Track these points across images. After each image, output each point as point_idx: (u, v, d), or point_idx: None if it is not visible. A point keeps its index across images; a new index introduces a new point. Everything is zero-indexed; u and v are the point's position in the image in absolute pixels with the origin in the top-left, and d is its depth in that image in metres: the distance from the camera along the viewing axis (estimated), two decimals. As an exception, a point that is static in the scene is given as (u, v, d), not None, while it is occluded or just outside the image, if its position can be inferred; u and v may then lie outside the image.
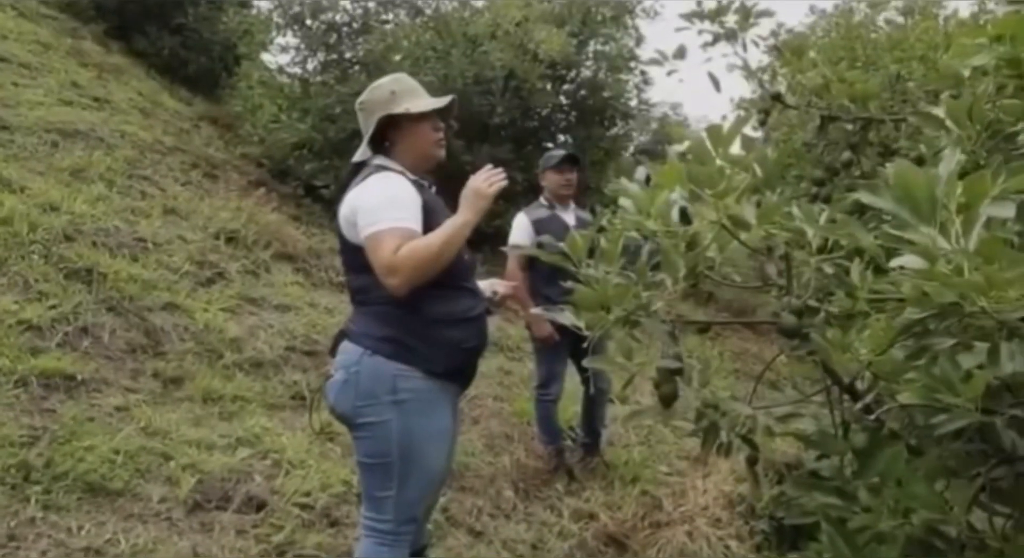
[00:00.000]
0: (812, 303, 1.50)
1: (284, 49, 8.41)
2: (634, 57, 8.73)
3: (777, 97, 3.78)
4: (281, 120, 7.67)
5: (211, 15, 9.23)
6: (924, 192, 0.88)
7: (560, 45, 7.38)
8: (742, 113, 10.69)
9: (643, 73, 8.84)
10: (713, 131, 1.62)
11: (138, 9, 9.02)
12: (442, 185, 2.32)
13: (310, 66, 8.06)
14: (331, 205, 7.63)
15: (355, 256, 2.02)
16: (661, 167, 1.64)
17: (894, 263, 0.92)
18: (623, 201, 1.70)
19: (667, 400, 1.54)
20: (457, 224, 2.01)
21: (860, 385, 1.47)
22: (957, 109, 1.38)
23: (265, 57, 9.07)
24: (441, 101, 2.18)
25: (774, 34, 6.37)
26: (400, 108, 2.08)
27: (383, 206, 1.96)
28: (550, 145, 8.43)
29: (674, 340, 1.68)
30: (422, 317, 2.01)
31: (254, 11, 9.37)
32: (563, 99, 8.53)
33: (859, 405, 1.36)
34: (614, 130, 9.01)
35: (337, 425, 2.43)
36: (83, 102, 6.53)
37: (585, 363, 1.58)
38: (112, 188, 5.40)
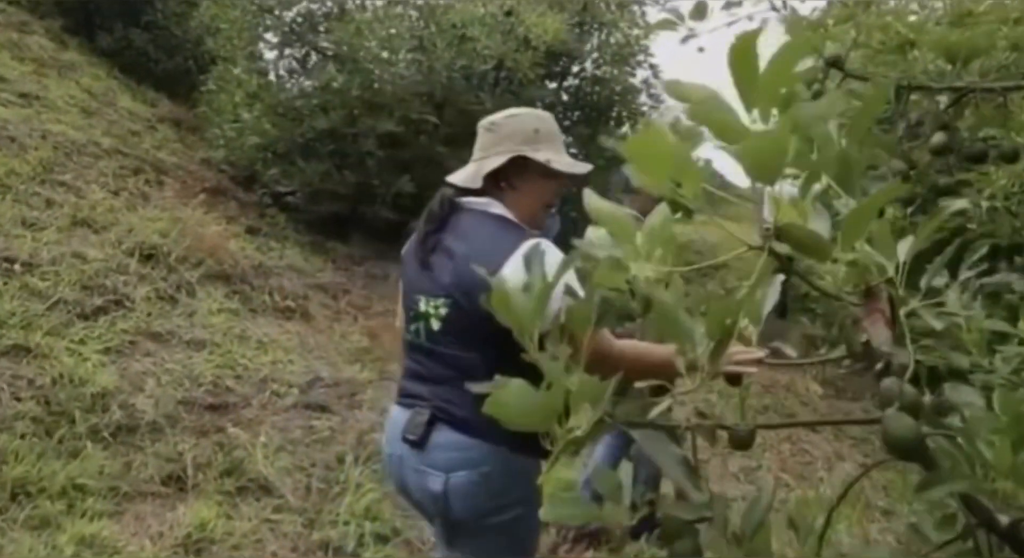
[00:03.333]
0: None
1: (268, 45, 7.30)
2: (642, 49, 7.51)
3: (835, 63, 2.55)
4: (242, 119, 6.51)
5: (182, 11, 8.09)
6: None
7: (555, 30, 6.15)
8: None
9: (652, 66, 7.61)
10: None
11: (104, 5, 7.91)
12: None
13: (272, 57, 6.89)
14: (297, 214, 6.63)
15: (476, 326, 1.51)
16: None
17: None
18: (594, 233, 1.04)
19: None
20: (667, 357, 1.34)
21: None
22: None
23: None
24: (583, 167, 1.72)
25: None
26: (540, 155, 1.65)
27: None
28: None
29: (692, 474, 0.92)
30: None
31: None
32: (564, 96, 7.32)
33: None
34: (622, 130, 7.77)
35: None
36: (2, 98, 5.39)
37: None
38: (7, 195, 4.25)
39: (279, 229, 6.05)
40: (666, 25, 2.99)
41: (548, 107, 7.33)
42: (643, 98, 7.71)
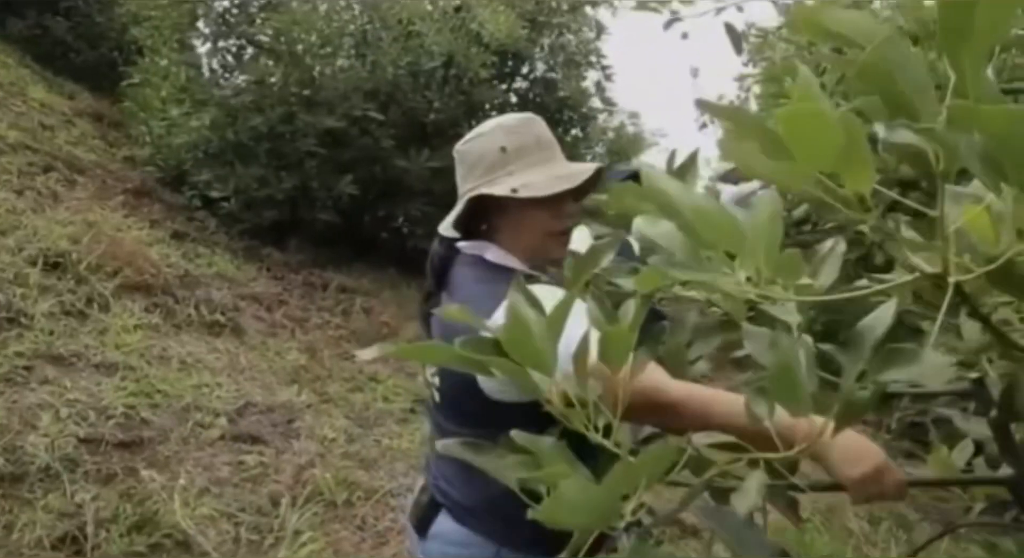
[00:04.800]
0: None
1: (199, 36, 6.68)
2: (594, 52, 7.17)
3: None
4: (171, 116, 5.90)
5: (106, -3, 7.40)
6: None
7: (509, 28, 5.75)
8: (708, 121, 9.04)
9: (604, 69, 7.27)
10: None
11: (17, -12, 7.17)
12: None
13: (204, 49, 6.29)
14: (231, 220, 6.05)
15: (464, 397, 1.19)
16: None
17: None
18: (648, 226, 0.87)
19: None
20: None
21: None
22: None
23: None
24: (573, 178, 1.25)
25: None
26: (509, 182, 1.23)
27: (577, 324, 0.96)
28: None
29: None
30: None
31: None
32: (513, 97, 6.92)
33: None
34: (572, 133, 7.40)
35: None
36: None
37: None
38: None
39: (208, 234, 5.48)
40: (650, 7, 2.61)
41: (498, 108, 6.92)
42: (595, 102, 7.37)
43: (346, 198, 5.86)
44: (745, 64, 10.58)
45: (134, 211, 5.12)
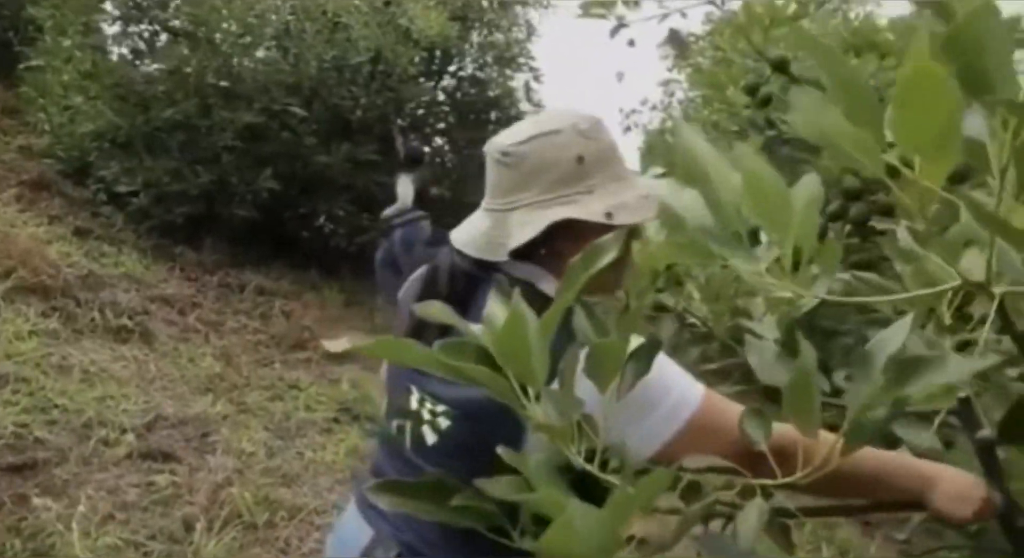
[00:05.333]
0: None
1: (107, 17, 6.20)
2: (524, 53, 7.06)
3: (781, 66, 2.21)
4: (74, 103, 5.47)
5: (1, -27, 6.81)
6: None
7: (440, 26, 5.57)
8: (634, 123, 9.08)
9: (533, 70, 7.17)
10: None
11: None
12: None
13: (113, 32, 5.86)
14: (140, 217, 5.64)
15: (483, 451, 0.89)
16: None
17: None
18: (675, 194, 0.79)
19: None
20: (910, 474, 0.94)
21: None
22: None
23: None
24: (656, 196, 0.96)
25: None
26: (594, 205, 1.00)
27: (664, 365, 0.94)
28: (427, 149, 6.62)
29: None
30: None
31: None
32: (441, 95, 6.73)
33: None
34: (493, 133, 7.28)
35: None
36: None
37: None
38: None
39: (115, 231, 5.09)
40: (595, 13, 2.51)
41: (425, 106, 6.74)
42: (524, 105, 7.26)
43: (265, 194, 5.57)
44: (670, 69, 10.66)
45: (30, 205, 4.71)
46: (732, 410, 0.93)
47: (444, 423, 1.03)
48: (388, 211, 5.73)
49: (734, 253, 0.76)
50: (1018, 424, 0.96)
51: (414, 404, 1.07)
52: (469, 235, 1.07)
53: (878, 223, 1.65)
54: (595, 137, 1.05)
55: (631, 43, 3.04)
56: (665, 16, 3.72)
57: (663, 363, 0.92)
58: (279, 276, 5.65)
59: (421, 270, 1.16)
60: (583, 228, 1.00)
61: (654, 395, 0.91)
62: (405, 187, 5.67)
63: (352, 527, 1.12)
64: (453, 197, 6.72)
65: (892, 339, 0.80)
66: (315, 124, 5.68)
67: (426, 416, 1.05)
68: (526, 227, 1.01)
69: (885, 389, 0.75)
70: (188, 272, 5.06)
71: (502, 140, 1.06)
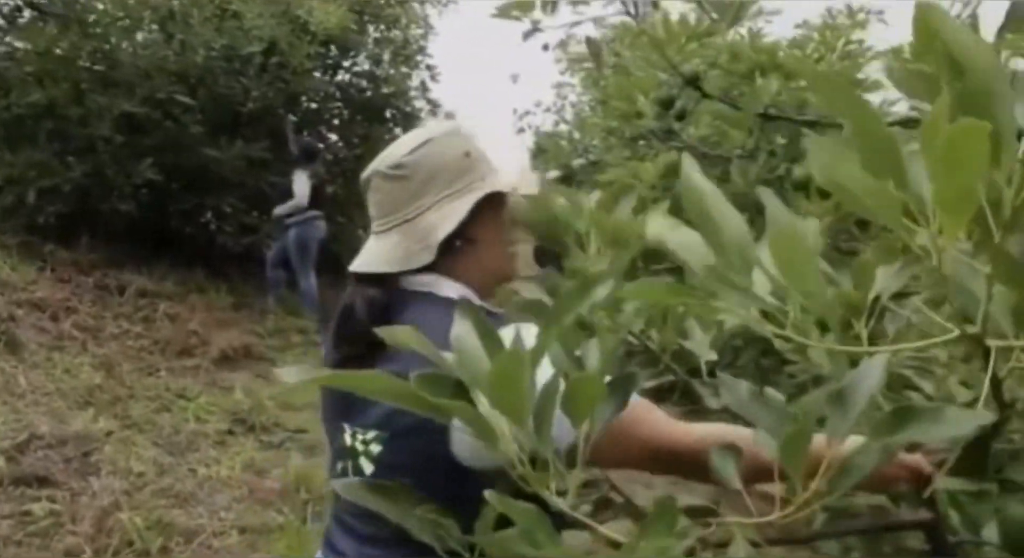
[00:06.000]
0: None
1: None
2: (422, 50, 6.94)
3: (694, 81, 2.23)
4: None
5: None
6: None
7: (338, 19, 5.36)
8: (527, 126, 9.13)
9: (430, 68, 7.06)
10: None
11: None
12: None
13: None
14: (3, 214, 5.00)
15: (424, 468, 0.95)
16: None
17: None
18: (675, 234, 0.78)
19: None
20: None
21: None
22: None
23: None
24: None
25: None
26: (498, 186, 1.08)
27: None
28: (322, 146, 6.37)
29: None
30: None
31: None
32: (335, 90, 6.50)
33: None
34: (395, 132, 7.11)
35: None
36: None
37: None
38: None
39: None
40: (510, 15, 2.47)
41: (319, 100, 6.49)
42: (420, 102, 7.14)
43: (146, 189, 5.19)
44: (563, 73, 10.81)
45: None
46: (659, 417, 0.97)
47: (376, 449, 1.03)
48: (282, 209, 5.48)
49: (735, 297, 0.73)
50: (970, 461, 0.99)
51: (348, 441, 1.06)
52: (376, 256, 1.06)
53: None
54: (467, 135, 1.13)
55: (545, 47, 3.01)
56: (576, 23, 3.72)
57: None
58: (162, 277, 5.28)
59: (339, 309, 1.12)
60: (489, 212, 1.07)
61: None
62: (301, 184, 5.42)
63: None
64: (346, 195, 6.52)
65: (868, 379, 0.78)
66: (202, 114, 5.34)
67: (359, 448, 1.04)
68: (448, 218, 1.04)
69: (875, 436, 0.74)
70: (60, 273, 4.64)
71: (387, 158, 1.08)
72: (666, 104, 2.69)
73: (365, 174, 1.10)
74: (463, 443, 0.92)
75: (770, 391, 0.77)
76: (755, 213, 2.33)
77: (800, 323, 0.71)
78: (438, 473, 0.95)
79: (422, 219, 1.05)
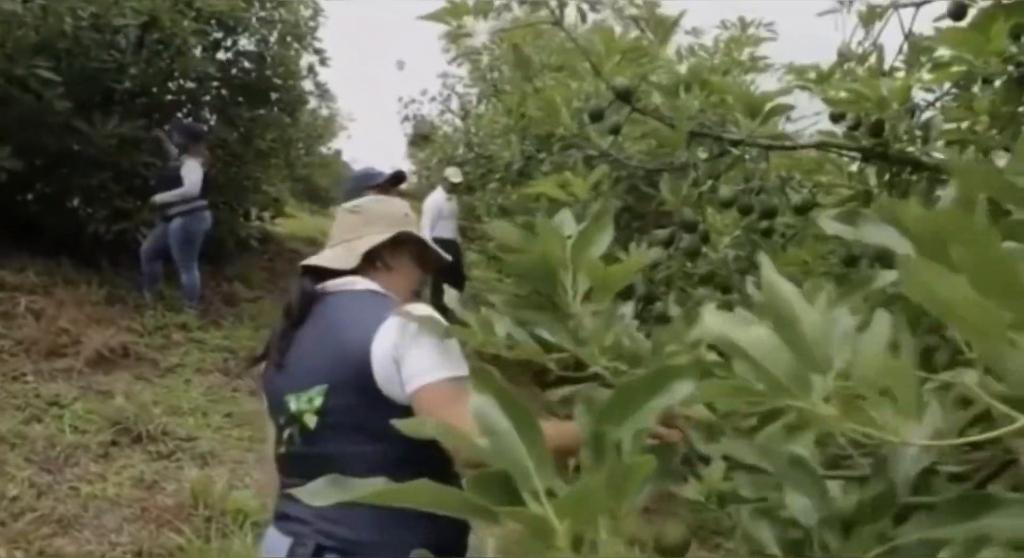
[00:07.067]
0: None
1: None
2: (310, 32, 6.58)
3: (625, 95, 2.26)
4: None
5: None
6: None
7: (229, -6, 4.98)
8: (412, 113, 9.03)
9: (319, 52, 6.72)
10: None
11: None
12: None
13: None
14: None
15: (363, 409, 1.30)
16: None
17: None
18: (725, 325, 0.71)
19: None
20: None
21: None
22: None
23: None
24: (447, 257, 1.67)
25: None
26: (412, 232, 1.56)
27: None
28: (206, 127, 5.92)
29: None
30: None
31: None
32: (216, 70, 6.04)
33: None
34: (276, 113, 6.70)
35: None
36: None
37: None
38: None
39: None
40: (440, 17, 2.39)
41: (197, 80, 6.01)
42: (307, 84, 6.80)
43: (3, 173, 4.62)
44: (450, 62, 10.63)
45: None
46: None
47: (319, 400, 1.29)
48: (167, 196, 5.04)
49: (810, 396, 0.70)
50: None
51: (293, 407, 1.32)
52: (323, 258, 1.47)
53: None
54: (407, 208, 1.62)
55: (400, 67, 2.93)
56: (506, 30, 3.62)
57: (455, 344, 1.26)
58: (22, 268, 4.75)
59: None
60: (403, 253, 1.52)
61: (442, 349, 1.25)
62: (193, 172, 4.99)
63: (272, 543, 1.31)
64: (226, 181, 6.12)
65: (904, 462, 0.78)
66: (68, 89, 4.80)
67: (304, 407, 1.30)
68: (375, 238, 1.46)
69: (941, 526, 0.73)
70: None
71: (351, 202, 1.58)
72: (596, 117, 2.66)
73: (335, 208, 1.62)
74: (387, 381, 1.27)
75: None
76: (681, 229, 2.31)
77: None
78: (378, 411, 1.21)
79: (365, 240, 1.45)
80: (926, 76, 2.01)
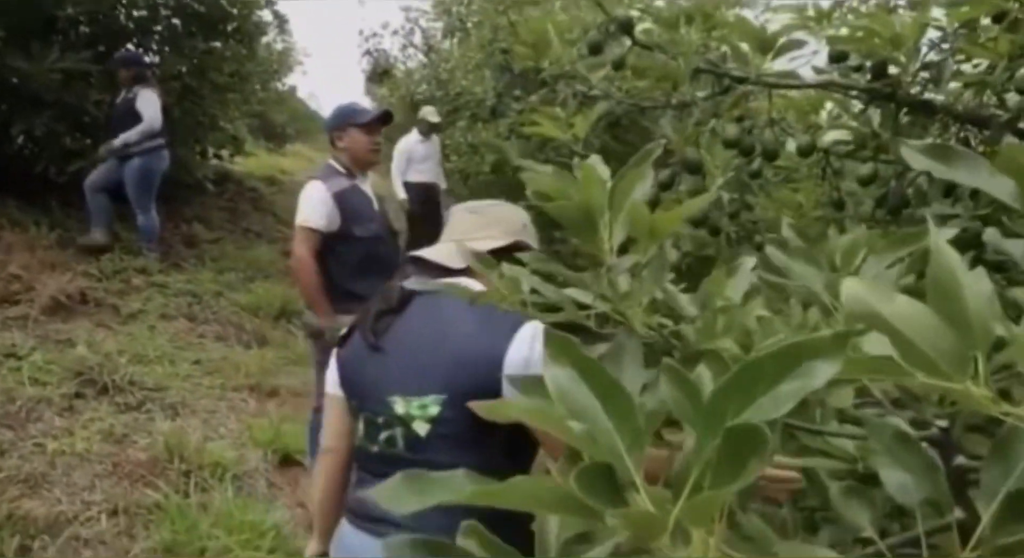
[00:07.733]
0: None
1: None
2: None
3: (626, 27, 2.07)
4: None
5: None
6: None
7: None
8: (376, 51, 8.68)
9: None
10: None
11: None
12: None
13: None
14: None
15: (482, 423, 0.77)
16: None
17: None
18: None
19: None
20: None
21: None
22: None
23: None
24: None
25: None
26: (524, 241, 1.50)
27: None
28: (150, 60, 5.53)
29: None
30: None
31: None
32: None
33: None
34: (232, 46, 6.31)
35: None
36: None
37: None
38: None
39: None
40: None
41: (147, 9, 5.59)
42: (266, 15, 6.39)
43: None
44: (413, -6, 10.11)
45: None
46: None
47: (434, 410, 1.23)
48: (130, 135, 4.69)
49: (966, 376, 0.60)
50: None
51: (400, 410, 1.26)
52: (433, 252, 1.41)
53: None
54: (528, 218, 1.55)
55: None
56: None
57: None
58: (-36, 211, 4.43)
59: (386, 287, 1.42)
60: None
61: None
62: (151, 104, 4.63)
63: (355, 543, 1.27)
64: (181, 116, 5.76)
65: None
66: (12, 23, 4.38)
67: (415, 413, 1.24)
68: (493, 242, 1.37)
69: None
70: None
71: (469, 204, 1.57)
72: (595, 50, 2.49)
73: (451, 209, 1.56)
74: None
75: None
76: (683, 169, 2.18)
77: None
78: (491, 431, 1.06)
79: (483, 243, 1.34)
80: (936, 13, 1.89)
